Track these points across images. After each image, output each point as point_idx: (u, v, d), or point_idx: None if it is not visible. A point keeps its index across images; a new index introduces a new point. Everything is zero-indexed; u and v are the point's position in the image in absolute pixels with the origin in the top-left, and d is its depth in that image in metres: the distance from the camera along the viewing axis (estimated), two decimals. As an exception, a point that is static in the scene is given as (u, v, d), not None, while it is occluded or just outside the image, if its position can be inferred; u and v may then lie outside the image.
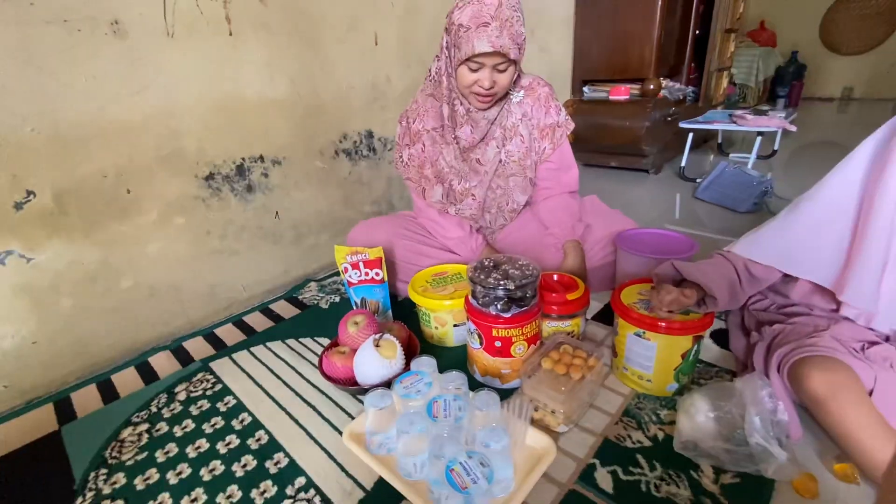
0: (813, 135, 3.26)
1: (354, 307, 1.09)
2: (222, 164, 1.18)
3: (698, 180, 2.08)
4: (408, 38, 1.54)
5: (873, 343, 0.78)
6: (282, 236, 1.36)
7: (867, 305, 0.76)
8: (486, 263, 0.90)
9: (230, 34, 1.12)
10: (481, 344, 0.87)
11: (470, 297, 0.88)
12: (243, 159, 1.22)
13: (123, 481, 0.76)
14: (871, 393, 0.71)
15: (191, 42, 1.06)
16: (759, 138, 2.02)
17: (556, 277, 1.04)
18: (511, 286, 0.81)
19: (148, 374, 1.04)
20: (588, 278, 1.16)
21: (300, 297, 1.32)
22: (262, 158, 1.26)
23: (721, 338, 1.00)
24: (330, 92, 1.37)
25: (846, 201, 0.78)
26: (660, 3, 2.02)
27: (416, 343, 0.99)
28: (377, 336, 0.89)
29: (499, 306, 0.83)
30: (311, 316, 1.23)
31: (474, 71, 0.96)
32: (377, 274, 1.04)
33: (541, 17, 2.09)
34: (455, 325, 1.03)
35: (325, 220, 1.47)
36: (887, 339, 0.80)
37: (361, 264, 1.03)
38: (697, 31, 2.42)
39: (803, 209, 0.83)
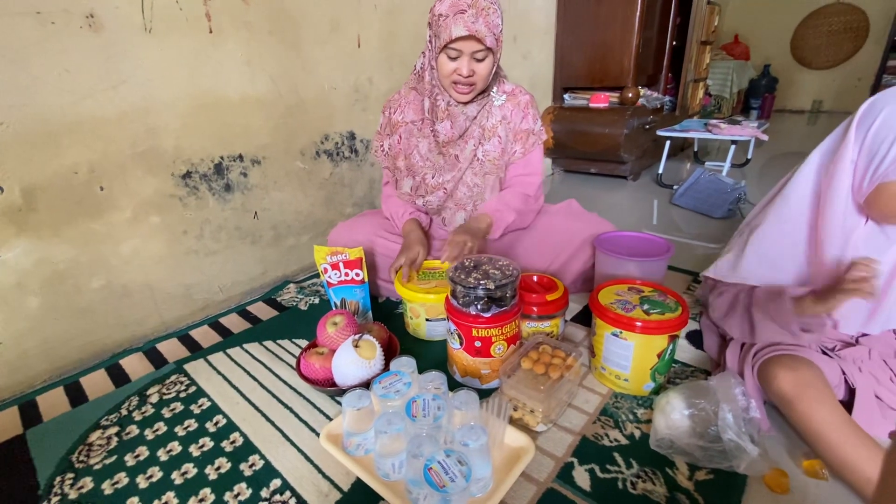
0: (784, 145, 3.38)
1: (334, 308, 1.08)
2: (200, 162, 1.16)
3: (675, 187, 2.14)
4: (391, 41, 1.54)
5: (847, 344, 0.81)
6: (260, 237, 1.34)
7: None
8: (467, 263, 0.90)
9: (210, 31, 1.11)
10: (461, 344, 0.87)
11: (450, 296, 0.88)
12: (222, 158, 1.20)
13: (91, 486, 0.74)
14: (849, 401, 0.73)
15: (169, 38, 1.05)
16: (732, 147, 2.09)
17: (535, 278, 1.05)
18: (491, 286, 0.82)
19: (119, 376, 1.01)
20: (564, 278, 1.19)
21: (279, 299, 1.31)
22: (241, 158, 1.24)
23: (696, 339, 1.02)
24: (311, 92, 1.36)
25: (802, 213, 0.79)
26: (638, 14, 2.07)
27: (397, 344, 0.99)
28: (356, 336, 0.88)
29: (479, 306, 0.84)
30: (290, 318, 1.21)
31: (453, 59, 1.00)
32: (357, 274, 1.03)
33: (523, 25, 2.12)
34: (428, 320, 1.04)
35: (305, 220, 1.45)
36: (857, 340, 0.83)
37: (341, 265, 1.03)
38: (674, 43, 2.49)
39: (766, 228, 0.84)
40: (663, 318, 0.81)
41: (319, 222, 1.49)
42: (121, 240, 1.07)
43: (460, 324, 0.86)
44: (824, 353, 0.79)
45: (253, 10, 1.18)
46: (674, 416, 0.74)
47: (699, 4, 2.51)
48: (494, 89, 1.18)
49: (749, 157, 2.55)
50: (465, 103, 1.11)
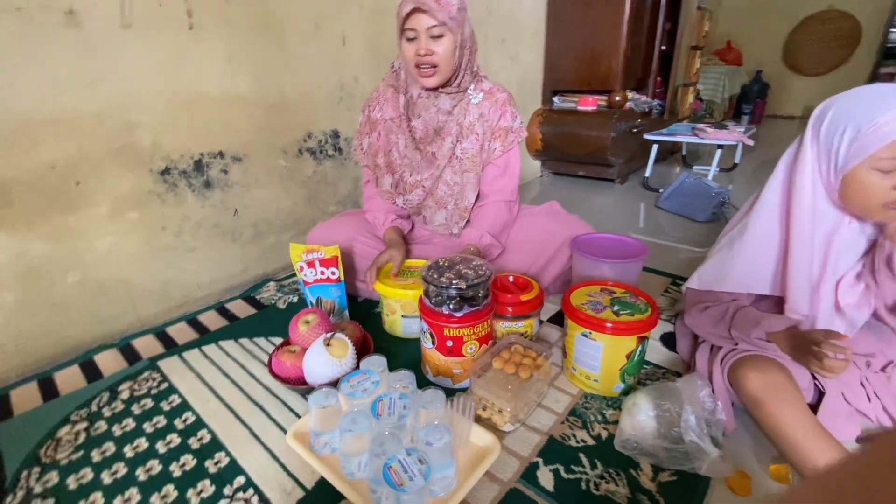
0: (774, 150, 3.40)
1: (310, 307, 1.08)
2: (179, 158, 1.16)
3: (661, 190, 2.15)
4: (376, 40, 1.55)
5: None
6: (240, 234, 1.34)
7: (804, 310, 0.79)
8: (441, 263, 0.90)
9: (190, 28, 1.11)
10: (433, 343, 0.88)
11: (423, 296, 0.88)
12: (202, 155, 1.20)
13: (56, 480, 0.73)
14: (818, 405, 0.74)
15: (148, 34, 1.04)
16: (718, 151, 2.10)
17: (511, 279, 1.05)
18: (463, 285, 0.82)
19: (92, 372, 1.00)
20: (544, 279, 1.19)
21: (258, 297, 1.30)
22: (221, 154, 1.24)
23: (669, 341, 1.03)
24: (295, 90, 1.36)
25: (772, 225, 0.81)
26: (626, 19, 2.08)
27: (371, 343, 0.99)
28: (328, 335, 0.88)
29: (451, 306, 0.84)
30: (268, 316, 1.21)
31: (411, 41, 1.01)
32: (333, 273, 1.03)
33: (511, 27, 2.13)
34: (403, 316, 1.05)
35: (286, 219, 1.45)
36: None
37: (317, 262, 1.03)
38: (663, 47, 2.50)
39: (746, 236, 0.85)
40: (632, 320, 0.81)
41: (301, 220, 1.49)
42: (97, 235, 1.06)
43: (432, 323, 0.86)
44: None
45: (235, 7, 1.18)
46: (639, 417, 0.74)
47: (688, 10, 2.53)
48: (472, 87, 1.17)
49: (737, 161, 2.57)
50: (432, 89, 1.10)
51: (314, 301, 1.07)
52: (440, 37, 1.00)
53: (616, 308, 0.85)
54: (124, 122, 1.05)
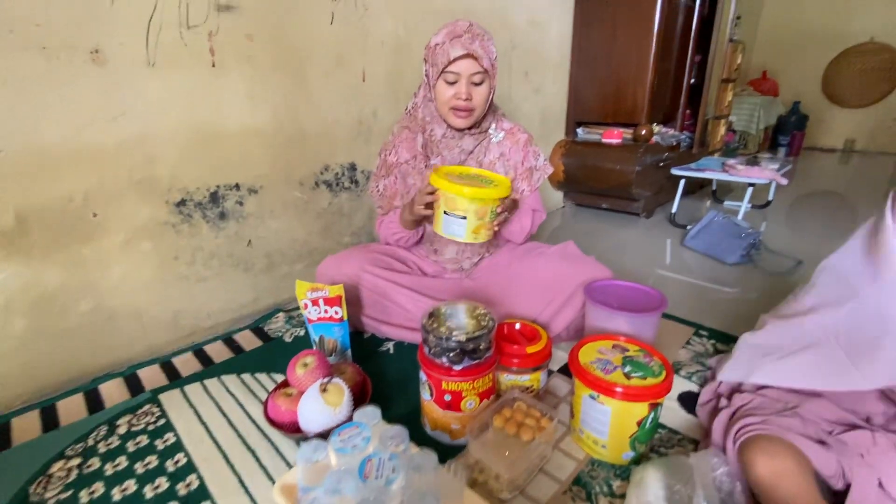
0: (812, 185, 3.25)
1: (313, 345, 1.07)
2: (196, 190, 1.18)
3: (689, 227, 2.06)
4: (397, 76, 1.56)
5: (852, 426, 0.73)
6: (253, 264, 1.34)
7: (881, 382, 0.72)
8: (443, 310, 0.87)
9: (213, 65, 1.14)
10: (432, 395, 0.84)
11: (422, 343, 0.85)
12: (218, 187, 1.22)
13: (40, 523, 0.72)
14: (845, 492, 0.66)
15: (171, 72, 1.08)
16: (749, 189, 2.01)
17: (518, 326, 1.01)
18: (463, 338, 0.78)
19: (95, 402, 1.01)
20: (556, 325, 1.15)
21: (266, 328, 1.30)
22: (237, 187, 1.26)
23: (688, 401, 0.95)
24: (313, 124, 1.38)
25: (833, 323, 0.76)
26: (653, 51, 2.05)
27: (370, 388, 0.95)
28: (325, 380, 0.86)
29: (450, 358, 0.80)
30: (273, 349, 1.20)
31: (451, 84, 1.03)
32: (336, 312, 1.01)
33: (536, 59, 2.13)
34: (445, 213, 0.98)
35: (300, 249, 1.45)
36: (868, 419, 0.75)
37: (321, 301, 1.01)
38: (693, 80, 2.44)
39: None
40: (644, 384, 0.75)
41: (315, 251, 1.49)
42: (111, 265, 1.08)
43: (430, 375, 0.82)
44: (820, 440, 0.72)
45: (258, 45, 1.21)
46: (647, 497, 0.68)
47: (720, 42, 2.47)
48: (493, 126, 1.19)
49: (770, 198, 2.46)
50: (463, 130, 1.12)
51: (317, 339, 1.05)
52: (481, 83, 1.04)
53: (628, 369, 0.79)
54: (144, 156, 1.08)
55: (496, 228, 1.02)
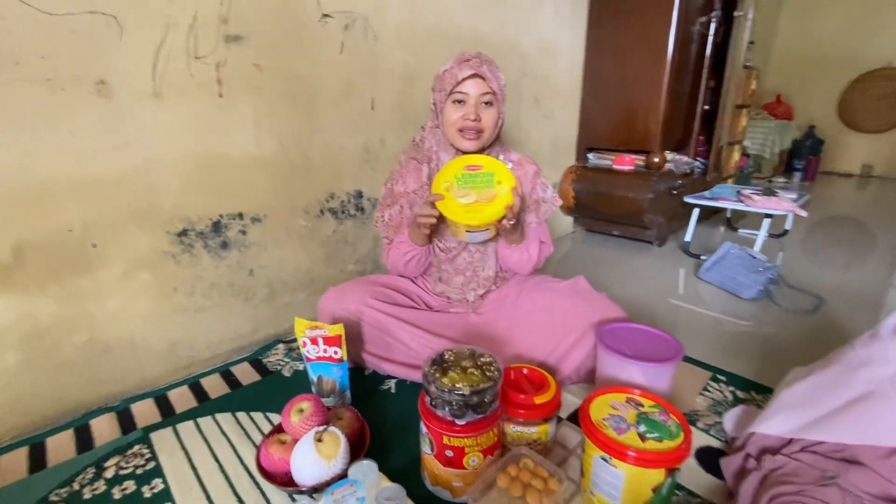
0: (830, 212, 3.17)
1: (311, 384, 1.03)
2: (198, 220, 1.16)
3: (703, 257, 2.00)
4: (406, 103, 1.54)
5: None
6: (254, 294, 1.31)
7: None
8: (446, 357, 0.83)
9: (220, 95, 1.13)
10: (432, 450, 0.79)
11: (424, 393, 0.80)
12: (221, 216, 1.20)
13: (14, 581, 0.68)
14: None
15: (177, 102, 1.07)
16: (767, 220, 1.95)
17: (525, 371, 0.96)
18: (467, 391, 0.74)
19: (85, 439, 0.97)
20: (566, 367, 1.10)
21: (265, 361, 1.26)
22: (241, 216, 1.24)
23: (708, 459, 0.89)
24: (320, 152, 1.36)
25: None
26: (666, 79, 2.02)
27: (368, 435, 0.91)
28: (320, 429, 0.81)
29: (452, 411, 0.75)
30: (271, 385, 1.16)
31: (460, 104, 1.03)
32: (336, 352, 0.97)
33: (546, 86, 2.11)
34: (468, 231, 1.02)
35: (303, 278, 1.42)
36: None
37: (320, 340, 0.97)
38: (707, 107, 2.41)
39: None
40: (661, 448, 0.70)
41: (318, 279, 1.46)
42: (108, 296, 1.06)
43: (431, 428, 0.77)
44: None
45: (266, 75, 1.20)
46: (666, 578, 0.62)
47: (734, 68, 2.44)
48: (501, 157, 1.17)
49: (788, 227, 2.39)
50: (471, 153, 1.10)
51: (315, 379, 1.01)
52: (489, 105, 1.04)
53: (643, 429, 0.74)
54: (146, 186, 1.07)
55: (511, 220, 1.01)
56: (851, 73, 4.30)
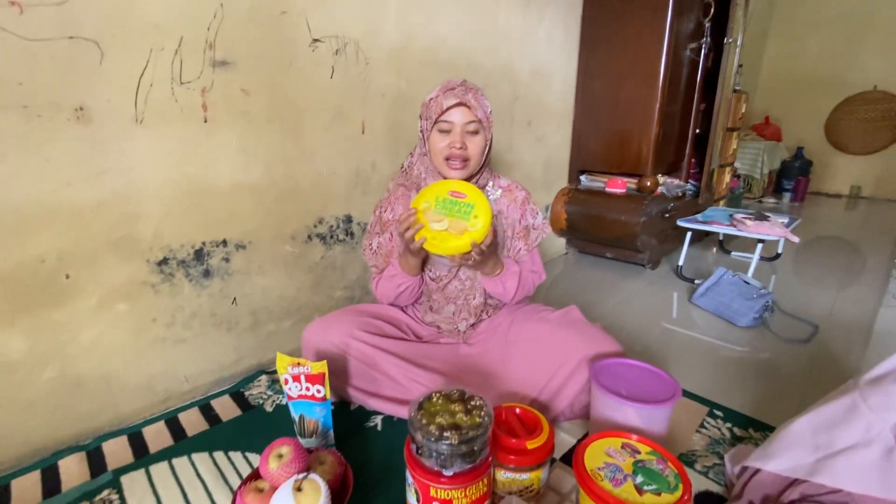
0: (821, 232, 3.19)
1: (293, 423, 0.98)
2: (179, 248, 1.12)
3: (697, 282, 1.99)
4: (398, 127, 1.53)
5: None
6: (237, 323, 1.27)
7: None
8: (434, 400, 0.79)
9: (205, 121, 1.10)
10: (418, 501, 0.75)
11: (409, 440, 0.76)
12: (203, 243, 1.16)
13: None
14: None
15: (160, 128, 1.04)
16: (759, 245, 1.95)
17: (518, 411, 0.92)
18: (455, 440, 0.70)
19: (52, 482, 0.91)
20: (560, 402, 1.06)
21: (246, 394, 1.21)
22: (224, 243, 1.20)
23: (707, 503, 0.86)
24: (308, 177, 1.33)
25: None
26: (658, 103, 2.03)
27: (351, 480, 0.86)
28: (300, 476, 0.77)
29: (440, 460, 0.71)
30: (252, 420, 1.11)
31: (445, 133, 1.02)
32: (319, 391, 0.93)
33: (538, 109, 2.11)
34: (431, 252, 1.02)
35: (289, 305, 1.38)
36: None
37: (303, 377, 0.93)
38: (698, 130, 2.42)
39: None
40: (658, 503, 0.66)
41: (304, 307, 1.42)
42: (81, 329, 1.01)
43: (417, 479, 0.73)
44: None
45: (254, 99, 1.17)
46: None
47: (724, 92, 2.46)
48: (490, 184, 1.16)
49: (779, 251, 2.39)
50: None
51: (296, 419, 0.96)
52: (475, 133, 1.03)
53: (639, 480, 0.70)
54: (126, 214, 1.03)
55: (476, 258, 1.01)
56: (838, 96, 4.39)
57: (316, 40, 1.26)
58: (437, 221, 0.98)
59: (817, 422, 0.79)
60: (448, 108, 1.00)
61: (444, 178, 1.08)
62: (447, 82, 1.04)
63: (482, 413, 0.76)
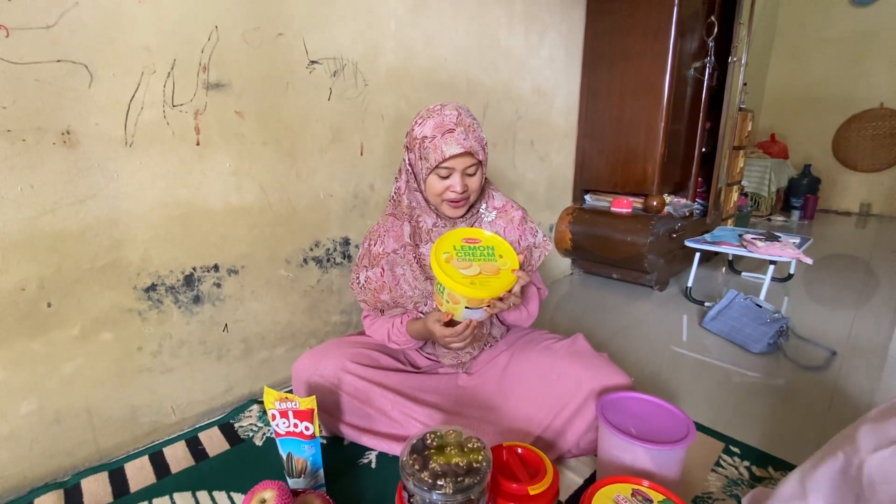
0: (833, 251, 3.11)
1: (281, 460, 0.92)
2: (168, 274, 1.08)
3: (707, 304, 1.93)
4: (397, 148, 1.50)
5: None
6: (228, 351, 1.22)
7: None
8: (428, 442, 0.73)
9: (197, 143, 1.08)
10: (410, 554, 0.68)
11: (401, 487, 0.71)
12: (194, 269, 1.12)
13: None
14: None
15: (151, 151, 1.01)
16: (771, 266, 1.88)
17: (520, 451, 0.86)
18: (450, 489, 0.64)
19: (23, 526, 0.86)
20: (566, 439, 1.00)
21: (236, 425, 1.15)
22: (216, 268, 1.16)
23: (726, 557, 0.78)
24: (305, 200, 1.30)
25: None
26: (662, 123, 2.00)
27: (340, 527, 0.80)
28: (283, 526, 0.71)
29: (433, 510, 0.66)
30: (240, 456, 1.05)
31: (445, 178, 0.96)
32: (307, 428, 0.88)
33: (541, 129, 2.09)
34: (467, 308, 0.91)
35: (283, 331, 1.33)
36: None
37: (291, 413, 0.88)
38: (704, 149, 2.38)
39: None
40: (675, 563, 0.60)
41: (299, 333, 1.37)
42: (62, 360, 0.97)
43: (409, 530, 0.67)
44: None
45: (248, 122, 1.15)
46: None
47: (730, 111, 2.43)
48: (483, 206, 1.12)
49: (791, 271, 2.32)
50: (456, 218, 1.06)
51: (284, 457, 0.91)
52: (474, 174, 0.99)
53: (653, 535, 0.64)
54: (112, 239, 0.99)
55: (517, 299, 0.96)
56: (845, 113, 4.34)
57: (313, 62, 1.25)
58: (466, 269, 0.91)
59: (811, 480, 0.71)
60: (451, 157, 0.94)
61: (440, 213, 1.05)
62: (440, 116, 0.95)
63: (480, 457, 0.70)
